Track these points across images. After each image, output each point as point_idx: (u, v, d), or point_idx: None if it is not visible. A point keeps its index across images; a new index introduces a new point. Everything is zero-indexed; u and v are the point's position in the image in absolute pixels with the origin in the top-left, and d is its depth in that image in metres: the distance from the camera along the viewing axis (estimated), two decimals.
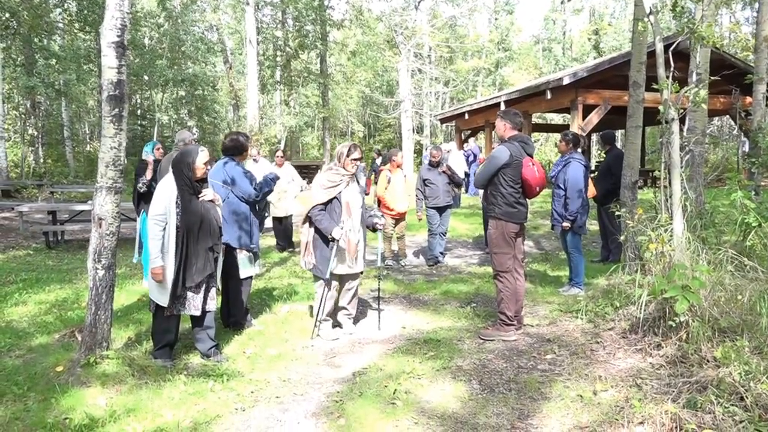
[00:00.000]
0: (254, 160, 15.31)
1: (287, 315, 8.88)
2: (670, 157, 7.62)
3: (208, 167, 6.87)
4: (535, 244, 15.29)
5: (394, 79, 51.66)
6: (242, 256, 7.86)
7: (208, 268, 6.67)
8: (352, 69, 47.95)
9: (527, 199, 7.83)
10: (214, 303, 6.86)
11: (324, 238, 7.63)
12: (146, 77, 34.39)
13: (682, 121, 8.00)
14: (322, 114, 43.52)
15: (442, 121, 38.63)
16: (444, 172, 12.59)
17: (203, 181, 6.80)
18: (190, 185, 6.59)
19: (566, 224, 9.74)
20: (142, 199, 10.36)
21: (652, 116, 11.54)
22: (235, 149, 8.05)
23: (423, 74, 47.39)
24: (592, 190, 10.74)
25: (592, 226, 11.77)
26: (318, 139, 54.60)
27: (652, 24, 8.19)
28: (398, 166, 12.67)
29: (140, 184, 10.35)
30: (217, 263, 6.91)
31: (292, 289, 10.33)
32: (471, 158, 25.20)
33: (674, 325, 6.33)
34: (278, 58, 42.59)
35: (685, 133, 9.51)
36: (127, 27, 6.49)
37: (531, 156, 7.69)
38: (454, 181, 12.78)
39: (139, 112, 38.39)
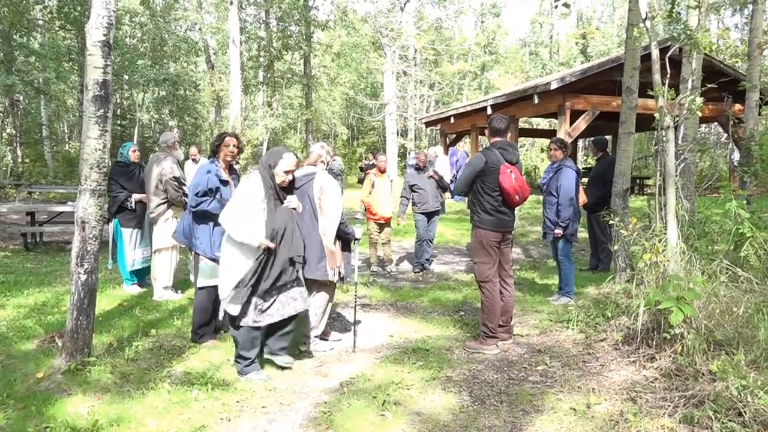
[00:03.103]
0: (193, 159, 15.13)
1: None
2: (665, 166, 7.61)
3: (291, 176, 6.70)
4: (524, 251, 15.30)
5: (379, 82, 51.58)
6: (203, 264, 7.66)
7: (285, 278, 6.55)
8: (337, 71, 47.84)
9: (512, 208, 7.77)
10: (294, 308, 6.70)
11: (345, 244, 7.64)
12: (127, 77, 34.20)
13: (676, 128, 7.98)
14: (305, 116, 43.41)
15: (427, 124, 38.56)
16: (431, 177, 12.56)
17: (289, 188, 6.75)
18: (273, 189, 6.51)
19: (559, 231, 9.71)
20: (120, 210, 10.28)
21: (640, 123, 11.53)
22: (210, 149, 7.90)
23: (408, 77, 47.40)
24: (582, 198, 10.73)
25: (581, 233, 11.73)
26: (301, 142, 54.43)
27: (648, 29, 8.18)
28: (382, 171, 12.61)
29: (129, 203, 10.24)
30: (297, 275, 6.77)
31: None
32: (458, 163, 25.24)
33: (669, 337, 6.33)
34: (261, 59, 42.47)
35: (680, 141, 9.47)
36: (113, 26, 6.43)
37: (512, 163, 7.60)
38: (441, 186, 12.76)
39: (119, 112, 38.07)
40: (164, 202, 9.83)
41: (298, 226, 6.68)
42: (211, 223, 7.56)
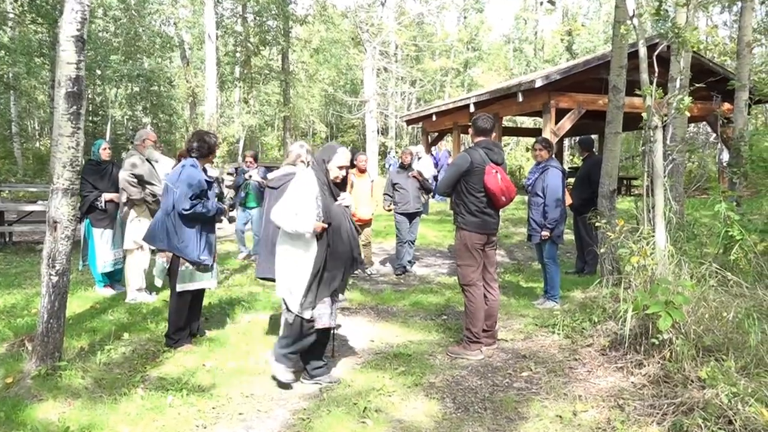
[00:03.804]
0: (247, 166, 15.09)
1: (248, 325, 8.78)
2: (653, 167, 7.63)
3: (345, 171, 6.57)
4: (508, 253, 15.30)
5: (359, 78, 51.61)
6: (183, 268, 7.61)
7: (339, 281, 6.50)
8: (315, 67, 47.83)
9: (497, 210, 7.76)
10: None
11: None
12: (99, 72, 34.03)
13: (664, 128, 8.00)
14: (283, 113, 43.34)
15: (409, 122, 38.66)
16: (414, 177, 12.54)
17: (342, 185, 6.62)
18: (327, 185, 6.41)
19: (546, 233, 9.67)
20: (90, 209, 10.20)
21: (627, 122, 11.54)
22: (200, 149, 7.86)
23: (389, 73, 47.36)
24: (568, 199, 10.74)
25: (567, 235, 11.74)
26: (278, 140, 54.38)
27: (635, 27, 8.20)
28: (362, 171, 12.55)
29: (100, 203, 10.17)
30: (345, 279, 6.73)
31: (253, 298, 10.22)
32: (440, 163, 25.23)
33: (657, 342, 6.34)
34: (238, 54, 42.40)
35: (668, 141, 9.50)
36: (87, 20, 6.40)
37: (497, 163, 7.60)
38: (424, 187, 12.74)
39: (90, 108, 37.85)
40: (127, 202, 9.80)
41: (352, 225, 6.57)
42: (199, 226, 7.55)
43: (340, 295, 7.25)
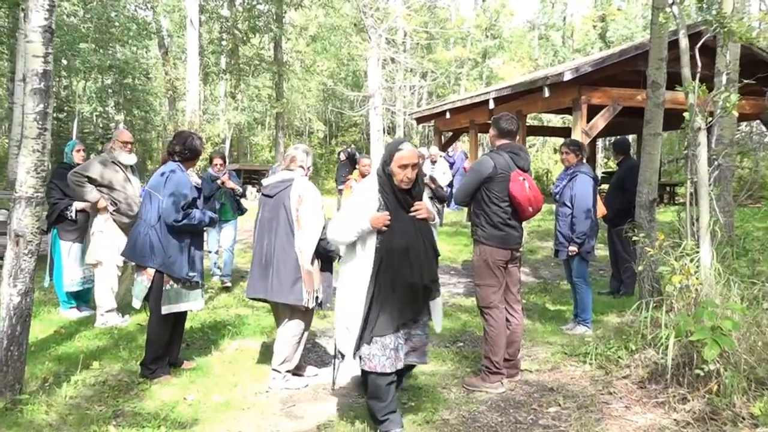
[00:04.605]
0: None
1: (236, 353, 8.82)
2: (697, 173, 7.62)
3: (411, 171, 5.87)
4: (532, 271, 15.31)
5: (362, 70, 51.46)
6: (168, 287, 7.62)
7: (409, 312, 5.93)
8: (313, 57, 47.88)
9: (520, 221, 7.72)
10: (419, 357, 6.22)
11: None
12: (65, 62, 34.08)
13: (709, 130, 7.97)
14: (275, 109, 43.39)
15: (419, 120, 38.62)
16: (426, 184, 12.51)
17: (414, 191, 6.05)
18: (392, 192, 5.92)
19: (573, 248, 9.68)
20: (60, 219, 10.22)
21: (670, 120, 11.45)
22: (183, 153, 7.91)
23: (396, 64, 47.29)
24: (601, 209, 10.71)
25: (600, 251, 11.73)
26: (270, 139, 54.42)
27: (675, 15, 8.19)
28: (365, 176, 12.46)
29: (70, 212, 10.19)
30: (426, 304, 6.16)
31: (241, 321, 10.24)
32: (456, 166, 25.21)
33: (702, 374, 6.31)
34: (224, 43, 42.42)
35: (713, 145, 9.47)
36: (56, 7, 6.43)
37: (523, 169, 7.56)
38: (437, 196, 12.73)
39: (55, 103, 37.94)
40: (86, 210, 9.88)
41: (429, 244, 6.07)
42: (187, 240, 7.62)
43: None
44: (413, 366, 6.45)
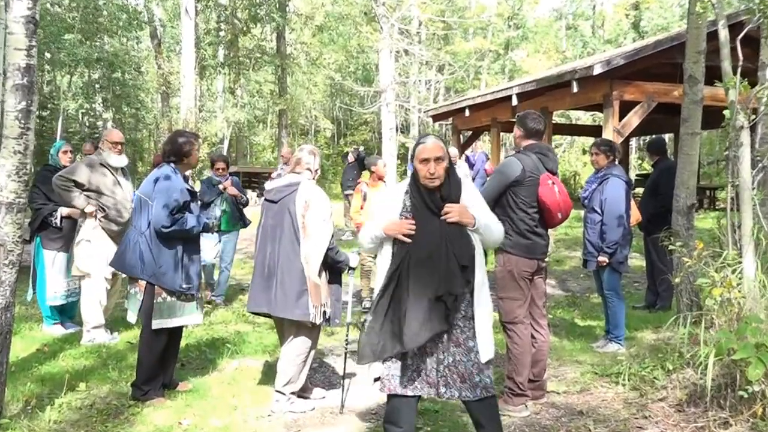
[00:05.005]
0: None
1: (235, 373, 8.82)
2: (739, 176, 7.57)
3: (435, 166, 5.41)
4: (559, 283, 15.29)
5: (373, 63, 51.51)
6: (160, 300, 7.60)
7: (430, 327, 5.32)
8: (319, 49, 47.89)
9: (547, 229, 7.70)
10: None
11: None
12: (49, 54, 34.12)
13: (752, 128, 7.92)
14: (278, 106, 43.44)
15: (435, 118, 38.55)
16: None
17: (445, 191, 5.55)
18: (417, 193, 5.55)
19: (603, 258, 9.61)
20: (44, 226, 10.25)
21: (709, 117, 11.37)
22: (176, 154, 7.90)
23: (411, 57, 47.17)
24: (636, 215, 10.58)
25: (635, 261, 11.67)
26: (272, 139, 54.47)
27: (714, 4, 8.15)
28: (380, 179, 12.49)
29: (54, 219, 10.20)
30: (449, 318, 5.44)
31: (241, 339, 10.25)
32: (476, 168, 25.19)
33: (746, 395, 6.29)
34: (222, 33, 42.50)
35: (757, 145, 9.39)
36: None
37: (552, 172, 7.54)
38: None
39: (39, 100, 37.95)
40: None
41: (450, 251, 5.40)
42: (180, 247, 7.61)
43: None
44: None
